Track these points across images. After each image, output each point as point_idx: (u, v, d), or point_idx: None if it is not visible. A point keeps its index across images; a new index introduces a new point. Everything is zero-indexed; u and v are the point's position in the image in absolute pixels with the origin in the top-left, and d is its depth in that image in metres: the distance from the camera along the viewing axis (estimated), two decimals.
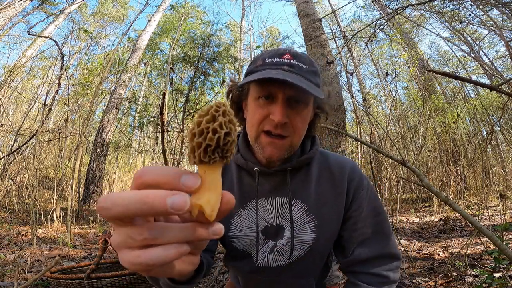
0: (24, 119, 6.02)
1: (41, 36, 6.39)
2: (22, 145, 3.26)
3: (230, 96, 0.78)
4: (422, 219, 4.10)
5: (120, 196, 0.25)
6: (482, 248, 2.22)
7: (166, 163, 1.84)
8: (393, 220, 3.70)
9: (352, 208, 0.75)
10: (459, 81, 5.24)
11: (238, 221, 0.76)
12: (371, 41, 3.80)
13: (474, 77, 9.47)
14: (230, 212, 0.76)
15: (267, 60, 0.68)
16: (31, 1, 5.82)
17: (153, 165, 0.29)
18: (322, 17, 3.81)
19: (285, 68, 0.66)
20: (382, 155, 3.26)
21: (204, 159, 0.28)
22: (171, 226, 0.28)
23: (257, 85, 0.68)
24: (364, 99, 6.95)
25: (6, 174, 3.91)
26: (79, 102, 5.12)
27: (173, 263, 0.30)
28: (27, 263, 2.06)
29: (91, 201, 6.05)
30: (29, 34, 3.99)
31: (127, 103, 8.00)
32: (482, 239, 2.35)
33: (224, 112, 0.29)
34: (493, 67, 7.63)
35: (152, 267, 0.26)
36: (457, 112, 5.39)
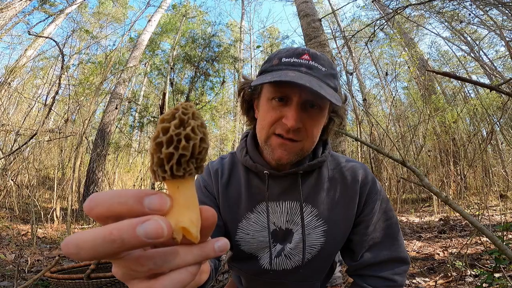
0: (24, 119, 6.04)
1: (42, 36, 6.40)
2: (22, 145, 3.27)
3: (241, 94, 0.74)
4: (422, 219, 4.10)
5: (82, 238, 0.20)
6: (482, 248, 2.22)
7: None
8: None
9: (364, 212, 0.73)
10: (459, 81, 5.24)
11: (246, 224, 0.75)
12: (371, 41, 3.80)
13: (474, 77, 9.47)
14: (237, 215, 0.74)
15: (284, 59, 0.64)
16: (31, 1, 5.82)
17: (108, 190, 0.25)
18: (322, 17, 3.81)
19: (303, 70, 0.62)
20: (382, 155, 3.26)
21: (178, 172, 0.23)
22: (175, 250, 0.24)
23: (271, 85, 0.65)
24: (364, 99, 6.95)
25: (6, 174, 3.91)
26: (79, 102, 5.13)
27: None
28: (27, 263, 2.06)
29: None
30: (29, 34, 4.00)
31: (127, 103, 7.99)
32: (482, 239, 2.35)
33: (194, 114, 0.24)
34: (493, 67, 7.64)
35: None
36: (457, 112, 5.38)
